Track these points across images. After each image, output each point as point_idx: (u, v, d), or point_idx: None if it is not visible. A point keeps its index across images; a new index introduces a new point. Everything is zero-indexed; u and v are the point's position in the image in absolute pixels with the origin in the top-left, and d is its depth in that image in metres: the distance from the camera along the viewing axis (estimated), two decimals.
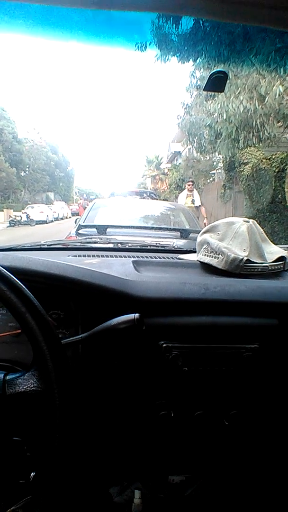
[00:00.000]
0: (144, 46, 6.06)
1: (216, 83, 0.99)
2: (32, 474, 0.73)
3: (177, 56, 6.75)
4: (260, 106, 5.74)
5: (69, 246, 1.35)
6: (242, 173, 9.12)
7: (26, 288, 0.68)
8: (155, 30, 5.99)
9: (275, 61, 4.96)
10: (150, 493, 1.11)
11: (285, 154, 7.61)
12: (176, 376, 0.88)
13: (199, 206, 7.31)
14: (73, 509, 1.06)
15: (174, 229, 3.19)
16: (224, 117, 6.12)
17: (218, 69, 0.96)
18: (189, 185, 7.55)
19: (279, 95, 5.41)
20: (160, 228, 3.23)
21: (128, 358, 0.88)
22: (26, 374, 0.67)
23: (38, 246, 1.33)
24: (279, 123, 6.61)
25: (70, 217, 29.31)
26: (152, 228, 3.25)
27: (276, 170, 7.47)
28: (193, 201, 7.22)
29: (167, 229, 3.24)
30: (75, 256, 1.16)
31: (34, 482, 0.68)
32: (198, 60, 6.58)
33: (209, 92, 7.57)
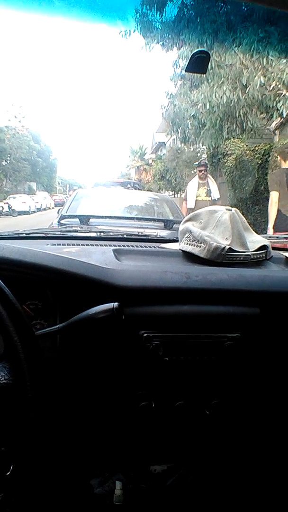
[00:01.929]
0: (128, 33, 5.97)
1: (198, 64, 0.96)
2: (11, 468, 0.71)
3: (161, 45, 6.69)
4: (243, 97, 5.74)
5: (49, 235, 1.31)
6: (226, 164, 9.16)
7: None
8: (139, 17, 5.94)
9: (257, 51, 4.97)
10: (131, 483, 1.10)
11: (268, 145, 7.68)
12: (157, 366, 0.87)
13: (218, 199, 5.42)
14: (54, 501, 1.05)
15: (158, 220, 3.18)
16: (208, 107, 6.08)
17: (200, 49, 0.93)
18: (200, 171, 5.52)
19: (261, 85, 5.41)
20: (143, 219, 3.22)
21: (108, 348, 0.86)
22: None
23: (16, 235, 1.29)
24: (262, 114, 6.62)
25: (53, 208, 28.99)
26: (135, 218, 3.23)
27: (259, 162, 7.53)
28: (208, 193, 5.37)
29: (150, 219, 3.23)
30: (54, 245, 1.12)
31: (10, 477, 0.66)
32: (182, 49, 6.54)
33: (193, 82, 7.52)
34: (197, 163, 6.44)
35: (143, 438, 0.95)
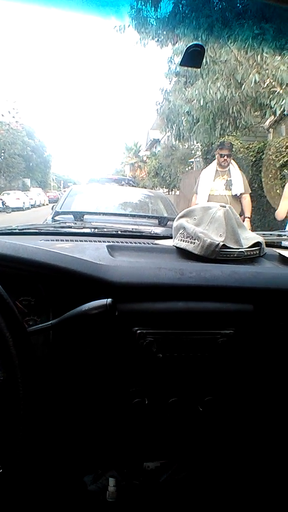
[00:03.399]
0: (123, 28, 5.98)
1: (192, 58, 0.95)
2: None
3: (156, 41, 6.67)
4: (237, 94, 5.73)
5: (42, 231, 1.30)
6: None
7: None
8: (134, 13, 5.91)
9: (252, 47, 4.96)
10: (125, 480, 1.10)
11: (262, 143, 7.69)
12: (150, 362, 0.86)
13: (241, 194, 3.83)
14: (47, 498, 1.04)
15: (152, 217, 3.18)
16: (201, 104, 6.07)
17: (195, 43, 0.92)
18: (222, 155, 3.82)
19: (256, 83, 5.41)
20: (138, 216, 3.21)
21: (101, 344, 0.86)
22: None
23: (9, 231, 1.28)
24: (256, 112, 6.63)
25: (47, 204, 28.88)
26: (129, 215, 3.22)
27: (253, 159, 7.54)
28: (228, 185, 3.81)
29: (145, 216, 3.22)
30: (48, 240, 1.11)
31: (1, 475, 0.65)
32: (176, 45, 6.52)
33: (188, 79, 7.50)
34: (218, 143, 4.38)
35: (136, 435, 0.95)
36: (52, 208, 4.05)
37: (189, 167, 15.67)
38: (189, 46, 0.95)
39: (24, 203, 24.91)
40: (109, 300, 0.75)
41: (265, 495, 1.13)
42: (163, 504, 1.10)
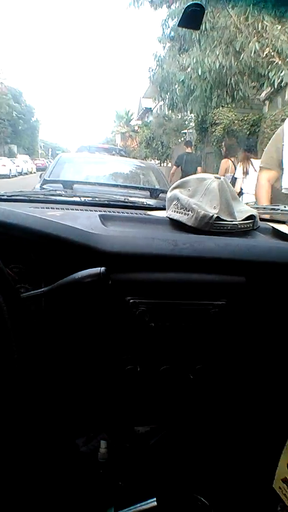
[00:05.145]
0: None
1: (191, 18, 0.90)
2: None
3: (150, 1, 6.35)
4: (235, 63, 5.56)
5: (32, 198, 1.27)
6: (214, 133, 9.00)
7: None
8: None
9: (252, 14, 4.77)
10: (115, 442, 1.14)
11: (257, 116, 7.56)
12: (143, 331, 0.88)
13: None
14: (39, 459, 1.08)
15: (144, 188, 3.14)
16: (199, 73, 5.87)
17: (195, 2, 0.87)
18: None
19: (255, 52, 5.24)
20: (129, 187, 3.16)
21: (94, 313, 0.86)
22: None
23: None
24: (253, 83, 6.46)
25: (34, 173, 28.19)
26: (120, 186, 3.17)
27: (248, 132, 7.44)
28: None
29: (136, 187, 3.18)
30: (37, 208, 1.09)
31: None
32: (172, 7, 6.23)
33: (182, 45, 7.21)
34: None
35: (128, 401, 0.98)
36: (40, 176, 3.96)
37: (182, 139, 15.39)
38: (189, 5, 0.90)
39: (10, 170, 24.26)
40: (103, 268, 0.75)
41: (251, 459, 1.19)
42: (152, 464, 1.15)
